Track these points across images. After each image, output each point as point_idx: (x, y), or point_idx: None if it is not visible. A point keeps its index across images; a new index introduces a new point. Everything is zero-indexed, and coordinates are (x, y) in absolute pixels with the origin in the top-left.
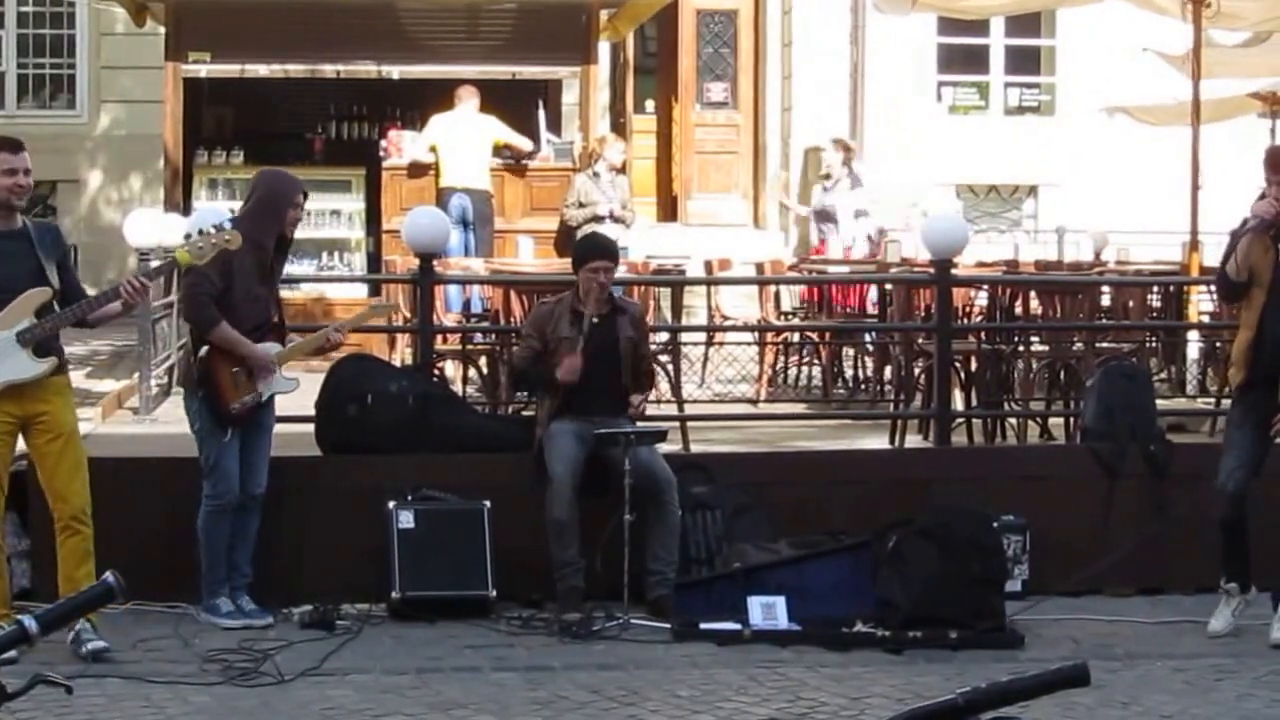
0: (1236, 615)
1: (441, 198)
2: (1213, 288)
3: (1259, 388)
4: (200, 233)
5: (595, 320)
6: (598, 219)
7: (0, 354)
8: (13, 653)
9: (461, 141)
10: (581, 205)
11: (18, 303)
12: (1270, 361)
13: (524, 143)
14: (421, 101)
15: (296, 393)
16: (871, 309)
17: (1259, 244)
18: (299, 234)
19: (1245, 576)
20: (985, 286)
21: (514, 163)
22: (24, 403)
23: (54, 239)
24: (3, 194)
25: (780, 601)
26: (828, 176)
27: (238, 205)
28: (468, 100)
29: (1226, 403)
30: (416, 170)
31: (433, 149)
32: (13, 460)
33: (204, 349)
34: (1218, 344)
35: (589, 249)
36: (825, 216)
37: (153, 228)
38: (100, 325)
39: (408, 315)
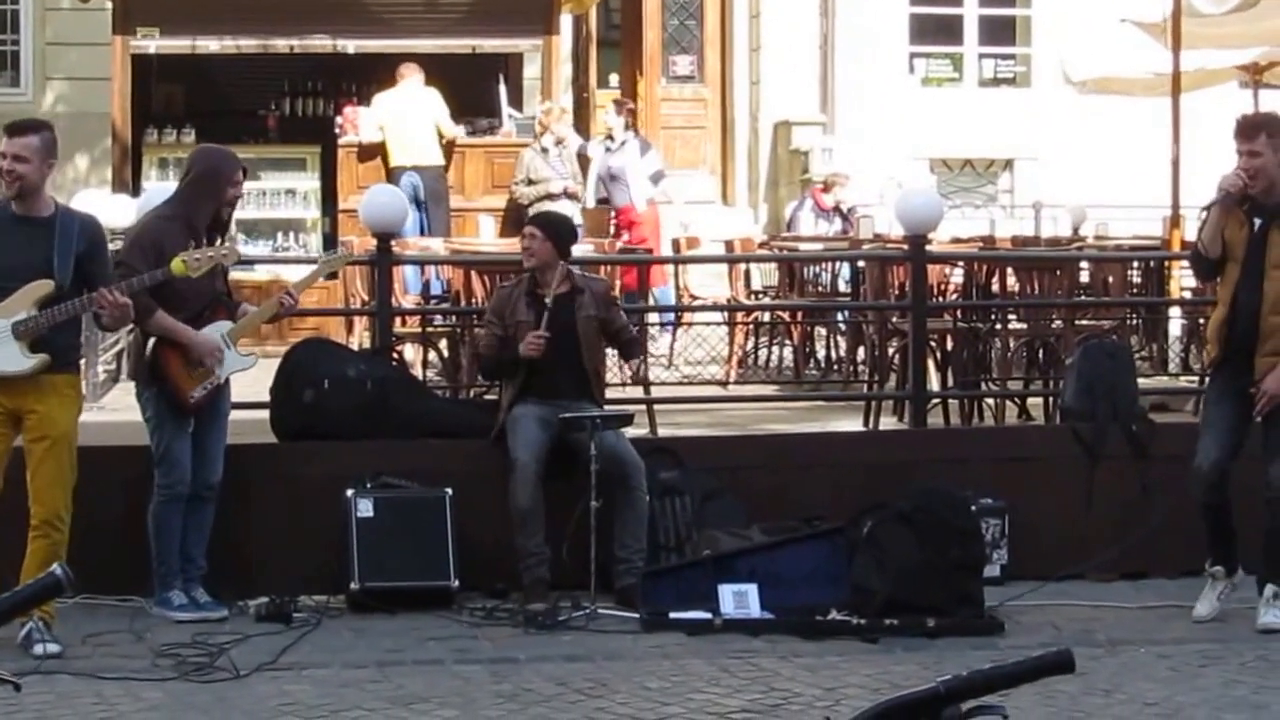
0: (1222, 599)
1: (392, 177)
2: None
3: (1234, 363)
4: (197, 246)
5: (549, 302)
6: (551, 196)
7: None
8: None
9: (407, 119)
10: (531, 182)
11: (21, 293)
12: (1244, 337)
13: (454, 131)
14: (379, 77)
15: (252, 379)
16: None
17: (1232, 218)
18: (254, 214)
19: (1232, 560)
20: (961, 263)
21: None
22: (14, 396)
23: (82, 230)
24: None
25: (752, 589)
26: (610, 138)
27: None
28: (410, 77)
29: None
30: (369, 151)
31: (382, 128)
32: (9, 451)
33: (152, 340)
34: (1201, 320)
35: (529, 219)
36: (611, 177)
37: (100, 208)
38: (113, 329)
39: (365, 298)
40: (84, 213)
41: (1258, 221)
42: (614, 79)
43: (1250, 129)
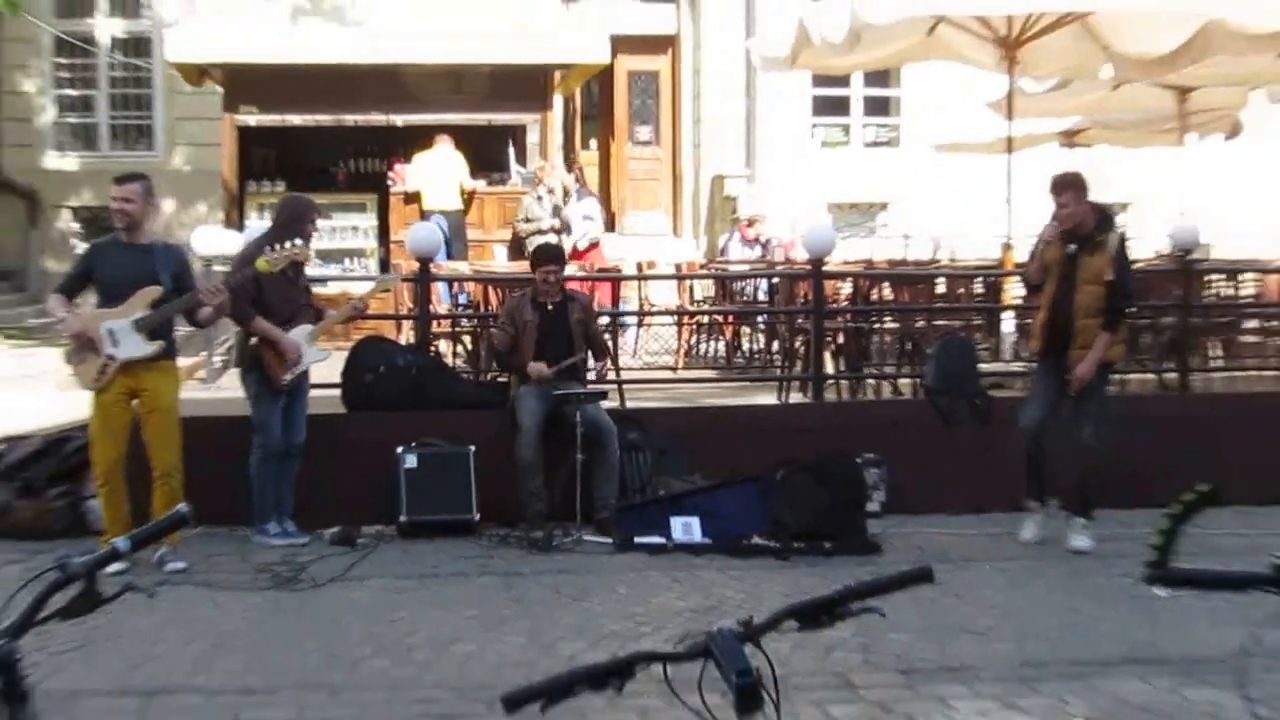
0: (1041, 526)
1: (424, 219)
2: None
3: (1053, 354)
4: (274, 248)
5: (549, 308)
6: (541, 232)
7: (122, 336)
8: (118, 565)
9: (438, 173)
10: (528, 220)
11: (136, 297)
12: (1061, 335)
13: (472, 185)
14: (419, 142)
15: (327, 367)
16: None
17: (1052, 246)
18: (326, 244)
19: (1044, 495)
20: (850, 279)
21: (468, 195)
22: (135, 376)
23: (174, 254)
24: (113, 216)
25: (695, 521)
26: (566, 193)
27: None
28: (442, 144)
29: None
30: (411, 197)
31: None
32: (131, 421)
33: (253, 338)
34: (1027, 321)
35: (541, 256)
36: (566, 227)
37: (214, 240)
38: (208, 324)
39: (410, 306)
40: (174, 242)
41: (1072, 246)
42: (593, 143)
43: (1059, 188)
